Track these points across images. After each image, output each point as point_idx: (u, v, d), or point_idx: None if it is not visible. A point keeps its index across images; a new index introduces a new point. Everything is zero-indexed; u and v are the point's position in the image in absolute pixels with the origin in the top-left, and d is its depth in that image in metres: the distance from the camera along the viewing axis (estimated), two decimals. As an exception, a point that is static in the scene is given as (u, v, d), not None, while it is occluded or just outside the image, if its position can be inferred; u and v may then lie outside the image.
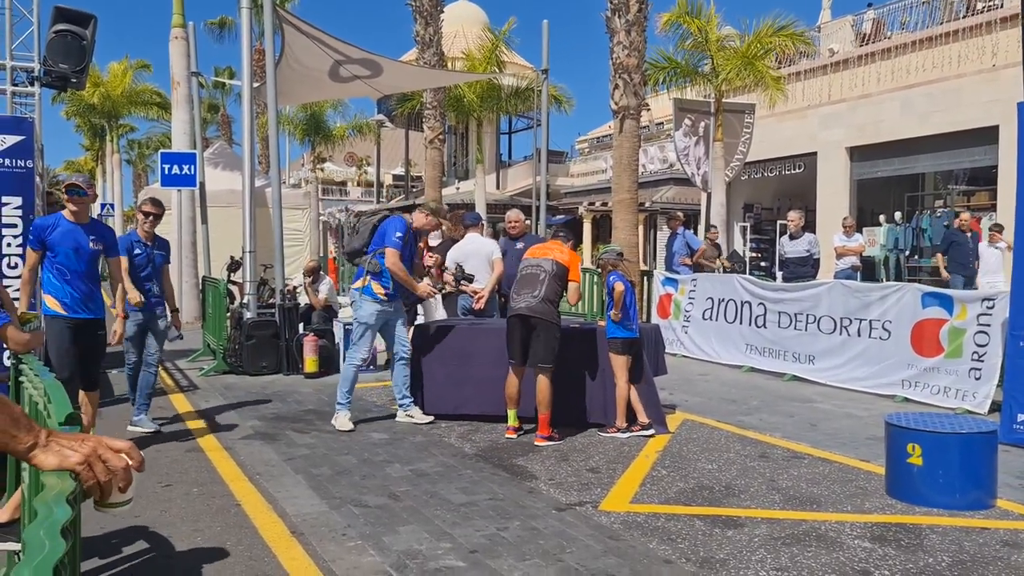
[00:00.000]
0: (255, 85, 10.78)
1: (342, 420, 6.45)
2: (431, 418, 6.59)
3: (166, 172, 11.81)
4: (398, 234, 6.44)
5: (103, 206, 32.49)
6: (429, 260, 7.81)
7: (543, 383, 5.98)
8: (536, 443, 5.91)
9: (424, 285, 6.80)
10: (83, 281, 5.38)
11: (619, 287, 6.15)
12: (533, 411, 6.08)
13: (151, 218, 6.32)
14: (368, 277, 6.49)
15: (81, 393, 5.36)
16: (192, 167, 11.84)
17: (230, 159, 16.74)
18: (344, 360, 8.99)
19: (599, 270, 6.66)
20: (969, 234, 12.57)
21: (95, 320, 5.47)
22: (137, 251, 6.25)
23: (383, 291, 6.47)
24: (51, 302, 5.33)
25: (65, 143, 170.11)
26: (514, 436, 6.09)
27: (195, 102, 12.85)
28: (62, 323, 5.30)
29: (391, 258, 6.40)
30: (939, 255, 12.45)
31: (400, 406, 6.73)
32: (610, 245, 7.14)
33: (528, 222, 9.48)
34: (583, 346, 6.47)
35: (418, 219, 6.75)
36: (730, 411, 7.22)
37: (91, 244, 5.37)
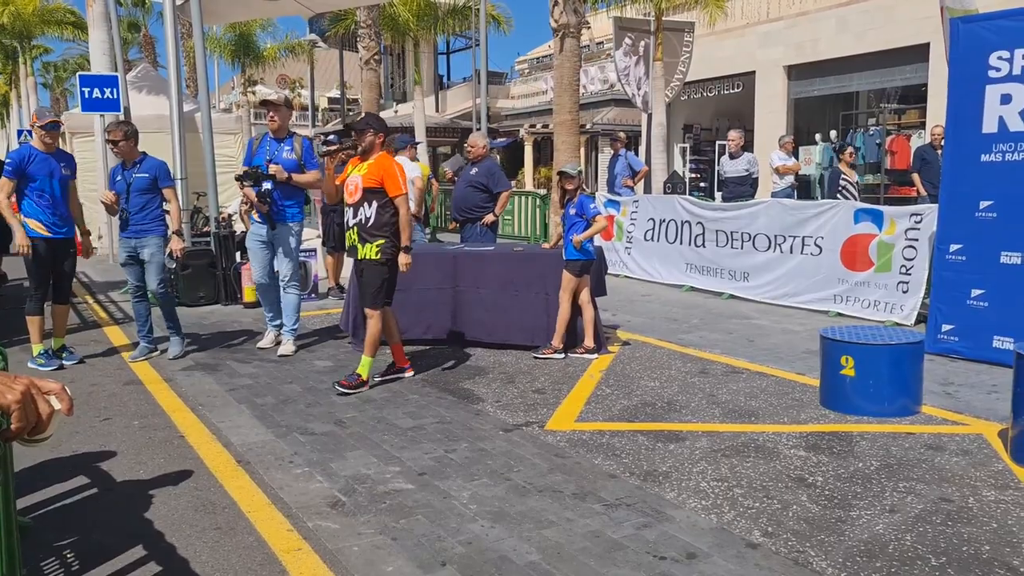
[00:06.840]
0: (178, 2, 10.22)
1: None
2: (294, 349, 6.49)
3: (86, 96, 11.19)
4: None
5: (20, 132, 30.88)
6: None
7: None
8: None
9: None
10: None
11: (602, 220, 6.22)
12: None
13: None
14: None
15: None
16: (114, 91, 11.24)
17: (155, 82, 15.93)
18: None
19: (545, 192, 6.60)
20: (939, 151, 10.66)
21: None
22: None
23: (256, 215, 6.57)
24: (33, 224, 6.02)
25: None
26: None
27: (113, 20, 12.08)
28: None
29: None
30: (915, 175, 11.46)
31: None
32: (576, 164, 6.99)
33: (492, 147, 9.35)
34: (527, 269, 6.47)
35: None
36: (671, 330, 7.36)
37: (63, 170, 6.11)
